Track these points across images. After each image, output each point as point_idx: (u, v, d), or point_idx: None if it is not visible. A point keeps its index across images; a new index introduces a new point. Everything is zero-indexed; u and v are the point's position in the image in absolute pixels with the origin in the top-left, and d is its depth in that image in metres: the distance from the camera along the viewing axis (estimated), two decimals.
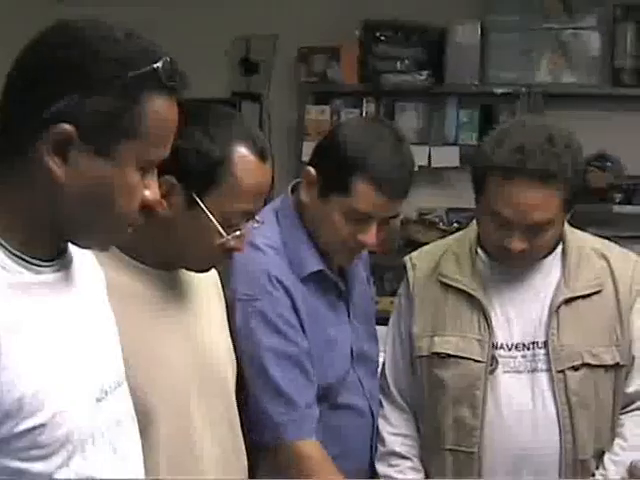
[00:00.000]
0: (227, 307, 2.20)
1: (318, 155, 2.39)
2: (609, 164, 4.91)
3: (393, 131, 2.40)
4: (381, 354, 2.59)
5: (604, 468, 2.40)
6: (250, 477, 2.20)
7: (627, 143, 4.89)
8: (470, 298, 2.42)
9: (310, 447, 2.29)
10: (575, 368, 2.38)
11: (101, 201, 1.42)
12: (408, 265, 2.55)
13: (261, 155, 1.96)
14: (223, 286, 2.20)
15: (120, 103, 1.39)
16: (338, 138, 2.35)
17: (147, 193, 1.47)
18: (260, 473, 2.31)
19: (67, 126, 1.37)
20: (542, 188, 2.25)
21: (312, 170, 2.34)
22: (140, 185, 1.45)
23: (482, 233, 2.42)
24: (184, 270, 2.02)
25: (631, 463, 2.37)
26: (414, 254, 2.59)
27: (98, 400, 1.48)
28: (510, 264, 2.40)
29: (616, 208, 4.90)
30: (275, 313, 2.29)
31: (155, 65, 1.41)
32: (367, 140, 2.31)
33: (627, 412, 2.45)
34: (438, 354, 2.42)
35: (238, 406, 2.12)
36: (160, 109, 1.43)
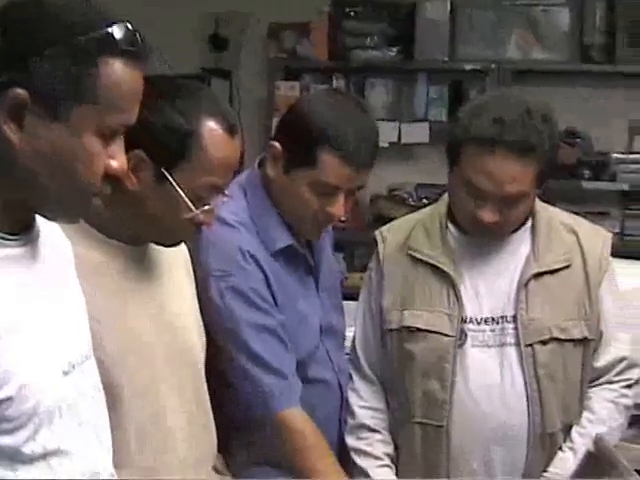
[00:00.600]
0: (197, 283, 2.19)
1: (283, 129, 2.38)
2: (578, 140, 4.93)
3: (356, 102, 2.40)
4: (351, 328, 2.59)
5: (571, 441, 2.42)
6: (221, 453, 2.20)
7: (596, 119, 4.91)
8: (440, 272, 2.42)
9: (298, 418, 2.29)
10: (543, 342, 2.39)
11: (60, 168, 1.40)
12: (379, 238, 2.54)
13: (230, 129, 1.95)
14: (193, 262, 2.20)
15: (74, 66, 1.37)
16: (301, 111, 2.35)
17: (113, 162, 1.45)
18: (234, 450, 2.31)
19: (20, 90, 1.35)
20: (519, 160, 2.25)
21: (277, 144, 2.33)
22: (102, 153, 1.43)
23: (454, 205, 2.42)
24: (154, 245, 2.01)
25: (596, 436, 2.39)
26: (384, 228, 2.59)
27: (65, 373, 1.47)
28: (482, 236, 2.41)
29: (585, 184, 4.92)
30: (249, 287, 2.29)
31: (110, 29, 1.39)
32: (330, 112, 2.31)
33: (595, 386, 2.47)
34: (408, 328, 2.43)
35: (208, 383, 2.12)
36: (116, 74, 1.40)
